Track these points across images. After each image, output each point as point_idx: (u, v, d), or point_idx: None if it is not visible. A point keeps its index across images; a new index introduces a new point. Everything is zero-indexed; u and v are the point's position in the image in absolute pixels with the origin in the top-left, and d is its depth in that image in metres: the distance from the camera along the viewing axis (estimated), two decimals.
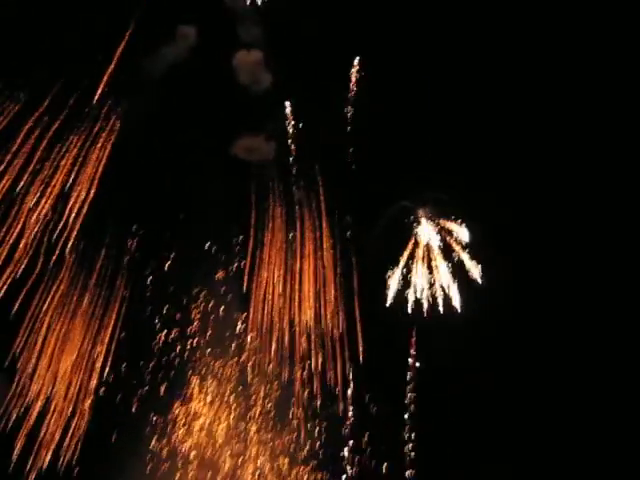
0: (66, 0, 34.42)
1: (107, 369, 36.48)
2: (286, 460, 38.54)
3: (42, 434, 34.89)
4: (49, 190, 35.12)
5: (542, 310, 40.27)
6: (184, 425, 38.08)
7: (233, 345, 39.01)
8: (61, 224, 35.23)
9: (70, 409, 35.64)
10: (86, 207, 35.73)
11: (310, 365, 38.41)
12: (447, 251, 41.01)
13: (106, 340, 36.54)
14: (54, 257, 35.13)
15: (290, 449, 38.64)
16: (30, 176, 34.63)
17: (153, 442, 37.47)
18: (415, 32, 40.42)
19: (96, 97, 35.59)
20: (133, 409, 37.06)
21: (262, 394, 38.77)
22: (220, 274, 39.35)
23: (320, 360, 38.47)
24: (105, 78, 35.53)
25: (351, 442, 39.52)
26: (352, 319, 39.28)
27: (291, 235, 39.64)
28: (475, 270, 40.01)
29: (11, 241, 34.16)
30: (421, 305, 40.38)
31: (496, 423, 39.24)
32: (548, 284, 40.18)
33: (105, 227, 36.83)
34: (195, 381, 38.57)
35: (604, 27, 39.85)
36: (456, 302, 40.09)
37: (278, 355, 38.52)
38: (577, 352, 39.73)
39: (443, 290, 40.20)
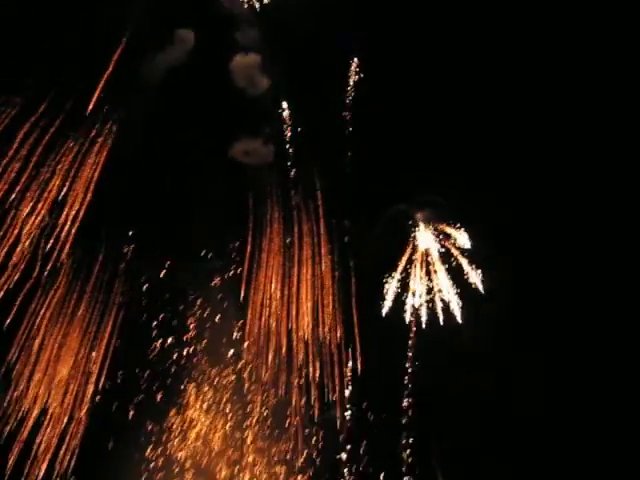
0: (63, 4, 33.76)
1: (103, 377, 36.08)
2: (283, 469, 38.30)
3: (37, 443, 34.45)
4: (45, 195, 34.63)
5: (543, 314, 40.08)
6: (180, 433, 37.76)
7: (230, 353, 38.67)
8: (57, 230, 34.82)
9: (66, 418, 35.18)
10: (82, 212, 35.28)
11: (307, 373, 38.08)
12: (447, 257, 40.74)
13: (102, 348, 36.10)
14: (50, 264, 34.61)
15: (287, 457, 38.40)
16: (27, 180, 34.12)
17: (149, 450, 37.15)
18: (413, 33, 40.27)
19: (93, 101, 35.03)
20: (129, 417, 36.74)
21: (259, 402, 38.44)
22: (217, 281, 39.03)
23: (318, 368, 38.19)
24: (102, 82, 35.03)
25: (348, 448, 39.28)
26: (350, 326, 39.07)
27: (288, 240, 39.30)
28: (476, 277, 39.78)
29: (6, 248, 33.62)
30: (419, 314, 40.10)
31: (495, 429, 39.03)
32: (550, 290, 39.96)
33: (101, 233, 36.38)
34: (191, 389, 38.23)
35: (604, 27, 39.71)
36: (456, 310, 39.82)
37: (275, 363, 38.19)
38: (577, 354, 39.54)
39: (442, 300, 39.95)
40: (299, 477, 38.30)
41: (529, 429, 39.16)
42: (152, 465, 37.13)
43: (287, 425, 38.37)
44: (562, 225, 40.58)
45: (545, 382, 39.27)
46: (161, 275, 37.98)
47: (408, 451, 40.22)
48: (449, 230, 40.96)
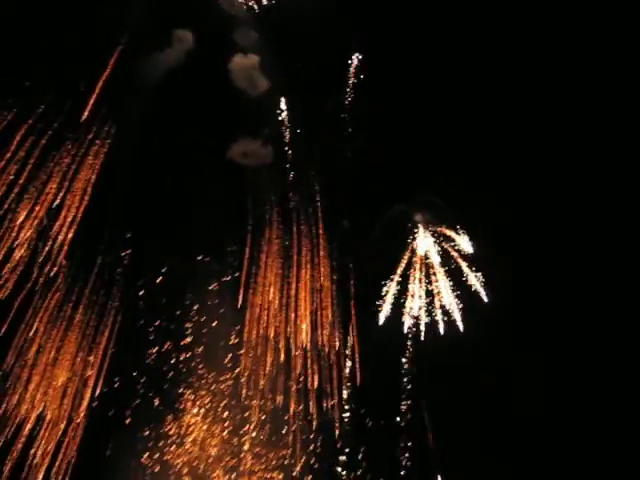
0: (62, 4, 33.19)
1: (100, 383, 35.68)
2: (280, 475, 37.99)
3: (35, 449, 34.01)
4: (42, 197, 34.20)
5: (543, 314, 39.91)
6: (177, 439, 37.40)
7: (227, 358, 38.31)
8: (55, 232, 34.33)
9: (63, 423, 34.77)
10: (79, 216, 34.82)
11: (305, 379, 37.81)
12: (446, 259, 40.44)
13: (100, 353, 35.66)
14: (47, 268, 34.16)
15: (285, 463, 38.12)
16: (24, 183, 33.61)
17: (145, 457, 36.76)
18: (412, 33, 40.03)
19: (90, 103, 34.51)
20: (126, 422, 36.38)
21: (256, 408, 38.08)
22: (214, 285, 38.64)
23: (317, 371, 37.91)
24: (100, 84, 34.50)
25: (346, 453, 39.06)
26: (349, 329, 38.86)
27: (287, 242, 38.97)
28: (475, 280, 39.47)
29: (4, 251, 33.13)
30: (419, 317, 39.82)
31: (495, 429, 38.85)
32: (550, 290, 39.75)
33: (99, 236, 35.90)
34: (188, 394, 37.86)
35: (603, 27, 39.59)
36: (456, 313, 39.53)
37: (273, 368, 37.84)
38: (577, 354, 39.44)
39: (442, 303, 39.66)
40: None
41: (529, 429, 38.96)
42: (149, 471, 36.79)
43: (285, 431, 38.06)
44: (562, 225, 40.39)
45: (545, 382, 39.02)
46: (158, 280, 37.53)
47: (407, 455, 39.95)
48: (448, 232, 40.65)
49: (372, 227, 40.98)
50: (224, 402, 38.13)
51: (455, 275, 40.07)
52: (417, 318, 39.90)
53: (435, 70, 39.83)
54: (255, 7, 38.62)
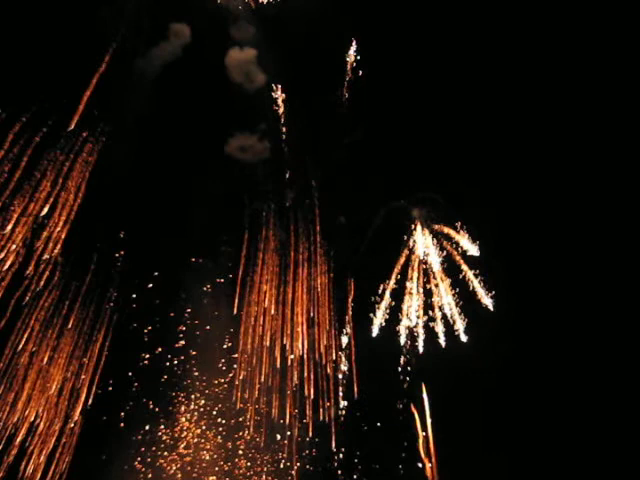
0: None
1: (94, 386, 34.88)
2: None
3: (25, 462, 33.31)
4: (36, 195, 33.17)
5: (543, 314, 39.54)
6: (170, 443, 36.77)
7: (221, 362, 37.71)
8: (47, 231, 33.33)
9: (58, 426, 34.02)
10: (73, 215, 33.81)
11: (301, 383, 37.30)
12: (446, 261, 39.97)
13: (94, 356, 34.88)
14: (41, 267, 33.17)
15: (280, 467, 37.65)
16: (19, 179, 32.54)
17: (138, 461, 36.12)
18: (411, 29, 39.47)
19: (85, 99, 33.36)
20: (120, 427, 35.72)
21: (251, 412, 37.49)
22: (209, 286, 37.92)
23: (312, 376, 37.41)
24: (95, 79, 33.38)
25: (341, 457, 38.69)
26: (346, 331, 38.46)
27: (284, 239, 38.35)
28: (475, 280, 39.02)
29: None
30: (417, 321, 39.36)
31: (495, 429, 38.72)
32: (550, 290, 39.47)
33: (93, 237, 34.98)
34: (182, 400, 37.18)
35: (603, 27, 39.30)
36: (455, 316, 39.13)
37: (268, 372, 37.23)
38: (577, 354, 39.38)
39: (442, 313, 39.15)
40: None
41: (529, 429, 38.89)
42: (141, 476, 36.13)
43: (280, 434, 37.57)
44: (562, 225, 40.10)
45: (545, 382, 38.92)
46: (153, 279, 36.76)
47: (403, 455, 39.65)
48: (446, 230, 40.06)
49: (370, 224, 40.36)
50: (218, 406, 37.55)
51: (455, 277, 39.63)
52: (414, 328, 39.38)
53: (437, 65, 39.38)
54: (252, 3, 37.81)
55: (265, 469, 37.48)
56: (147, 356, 36.55)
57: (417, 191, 40.63)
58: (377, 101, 39.53)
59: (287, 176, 39.29)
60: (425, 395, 39.11)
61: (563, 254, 39.62)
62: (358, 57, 38.96)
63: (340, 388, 38.11)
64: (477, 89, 39.89)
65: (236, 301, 36.81)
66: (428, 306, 39.11)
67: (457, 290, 38.68)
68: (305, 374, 37.07)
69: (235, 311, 36.67)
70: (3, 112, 31.21)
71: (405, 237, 40.34)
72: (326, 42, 38.42)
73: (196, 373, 37.41)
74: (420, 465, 38.60)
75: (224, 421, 37.51)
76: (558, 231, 39.62)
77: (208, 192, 36.92)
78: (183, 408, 37.16)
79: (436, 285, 39.00)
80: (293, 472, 37.51)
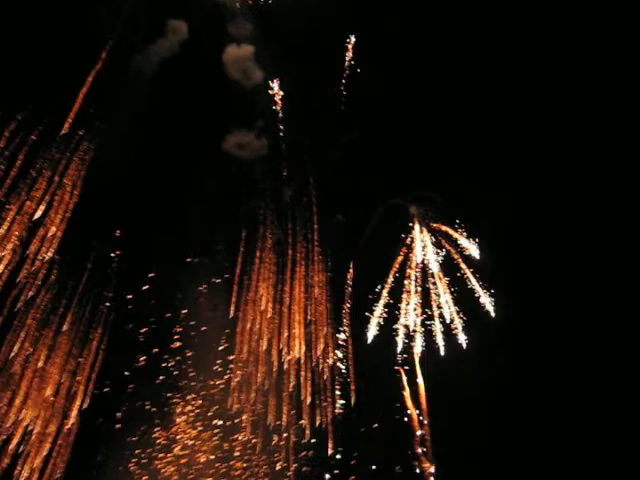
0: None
1: (91, 388, 34.52)
2: None
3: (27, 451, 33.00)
4: (32, 194, 32.81)
5: (543, 314, 39.42)
6: (166, 445, 36.48)
7: (217, 364, 37.37)
8: (43, 231, 32.91)
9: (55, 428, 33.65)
10: (68, 214, 33.39)
11: (298, 385, 36.99)
12: (445, 261, 39.68)
13: (90, 358, 34.47)
14: (36, 266, 32.79)
15: (276, 468, 37.42)
16: (14, 178, 32.14)
17: (134, 463, 35.77)
18: (410, 26, 39.06)
19: (81, 96, 32.91)
20: (115, 428, 35.38)
21: (247, 413, 37.19)
22: (204, 286, 37.56)
23: (309, 378, 37.14)
24: (92, 77, 32.94)
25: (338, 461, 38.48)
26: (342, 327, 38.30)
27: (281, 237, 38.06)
28: (474, 280, 38.78)
29: None
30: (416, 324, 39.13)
31: (495, 429, 38.60)
32: (550, 290, 39.35)
33: (88, 237, 34.56)
34: (178, 401, 36.88)
35: (603, 27, 39.25)
36: (454, 315, 38.88)
37: (265, 374, 36.94)
38: (577, 355, 39.31)
39: (441, 312, 38.90)
40: None
41: (529, 429, 38.79)
42: (137, 477, 35.83)
43: (276, 436, 37.30)
44: (562, 225, 40.01)
45: (545, 382, 38.82)
46: (149, 278, 36.39)
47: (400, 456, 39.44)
48: (445, 228, 39.80)
49: (367, 222, 40.09)
50: (215, 407, 37.26)
51: (453, 276, 39.32)
52: (412, 334, 39.18)
53: (436, 63, 39.18)
54: (249, 0, 37.44)
55: (261, 471, 37.30)
56: (143, 357, 36.27)
57: (415, 189, 40.42)
58: (375, 98, 39.30)
59: (285, 174, 39.08)
60: (423, 395, 39.07)
61: (563, 254, 39.59)
62: (356, 54, 39.00)
63: (337, 388, 38.01)
64: (476, 87, 39.65)
65: (232, 302, 36.57)
66: (426, 305, 39.05)
67: (456, 289, 38.56)
68: (302, 375, 36.97)
69: (232, 312, 36.40)
70: None
71: (403, 235, 40.26)
72: (324, 39, 38.22)
73: (192, 374, 37.13)
74: (417, 467, 38.71)
75: (220, 422, 37.29)
76: (558, 231, 39.54)
77: (205, 189, 36.73)
78: (179, 409, 36.89)
79: (434, 284, 38.89)
80: (289, 474, 37.33)
